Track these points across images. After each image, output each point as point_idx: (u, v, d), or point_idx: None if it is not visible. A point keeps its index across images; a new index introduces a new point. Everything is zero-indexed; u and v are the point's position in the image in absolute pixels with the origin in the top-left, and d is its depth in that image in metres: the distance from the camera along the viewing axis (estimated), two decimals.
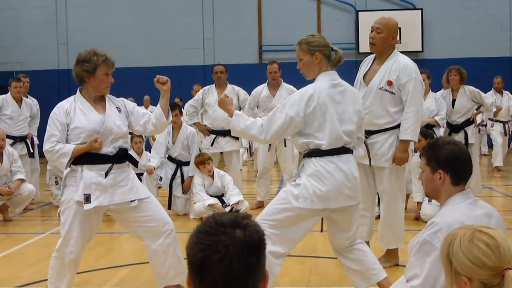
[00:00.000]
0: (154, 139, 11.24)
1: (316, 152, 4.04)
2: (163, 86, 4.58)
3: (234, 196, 8.00)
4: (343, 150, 4.09)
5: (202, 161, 8.05)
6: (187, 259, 1.72)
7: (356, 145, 4.32)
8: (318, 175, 3.99)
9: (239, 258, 1.64)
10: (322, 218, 4.32)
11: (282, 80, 8.83)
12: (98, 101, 4.54)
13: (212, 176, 8.13)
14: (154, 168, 8.43)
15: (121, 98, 4.74)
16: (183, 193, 8.42)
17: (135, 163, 4.79)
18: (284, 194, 4.12)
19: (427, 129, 7.90)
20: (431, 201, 7.19)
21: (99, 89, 4.49)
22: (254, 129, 4.08)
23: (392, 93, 5.26)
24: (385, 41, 5.33)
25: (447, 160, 3.05)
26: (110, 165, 4.43)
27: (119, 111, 4.58)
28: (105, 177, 4.40)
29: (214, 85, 9.01)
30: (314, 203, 3.99)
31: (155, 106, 4.76)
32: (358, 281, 4.34)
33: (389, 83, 5.25)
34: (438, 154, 3.07)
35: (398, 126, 5.28)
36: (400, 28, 15.62)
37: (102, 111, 4.50)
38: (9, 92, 9.36)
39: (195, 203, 8.09)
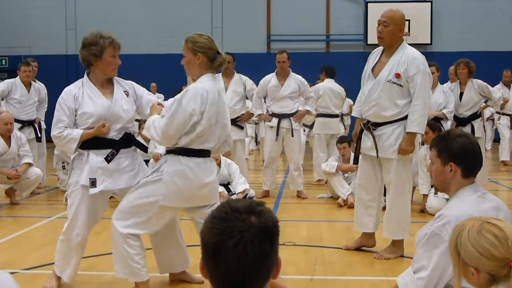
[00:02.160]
0: None
1: (181, 151, 4.13)
2: None
3: (240, 185, 8.01)
4: (201, 152, 4.18)
5: None
6: (201, 243, 1.74)
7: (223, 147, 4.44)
8: (179, 174, 4.11)
9: (253, 244, 1.66)
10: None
11: (290, 70, 8.82)
12: (106, 84, 4.51)
13: (219, 164, 8.14)
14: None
15: (130, 82, 4.71)
16: None
17: (144, 148, 4.81)
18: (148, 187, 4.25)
19: (435, 122, 7.90)
20: (437, 194, 7.21)
21: (106, 71, 4.46)
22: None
23: (400, 85, 5.26)
24: (393, 34, 5.32)
25: (459, 152, 3.05)
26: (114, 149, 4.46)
27: (127, 94, 4.56)
28: (107, 162, 4.41)
29: (221, 74, 8.99)
30: (171, 201, 4.15)
31: (161, 93, 4.77)
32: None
33: (397, 75, 5.25)
34: (450, 146, 3.08)
35: (405, 117, 5.29)
36: (409, 20, 15.58)
37: (109, 96, 4.47)
38: (18, 76, 9.34)
39: None
